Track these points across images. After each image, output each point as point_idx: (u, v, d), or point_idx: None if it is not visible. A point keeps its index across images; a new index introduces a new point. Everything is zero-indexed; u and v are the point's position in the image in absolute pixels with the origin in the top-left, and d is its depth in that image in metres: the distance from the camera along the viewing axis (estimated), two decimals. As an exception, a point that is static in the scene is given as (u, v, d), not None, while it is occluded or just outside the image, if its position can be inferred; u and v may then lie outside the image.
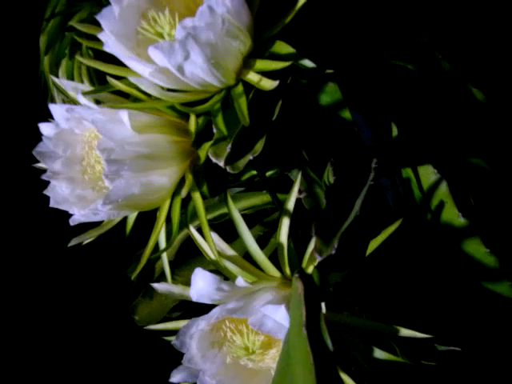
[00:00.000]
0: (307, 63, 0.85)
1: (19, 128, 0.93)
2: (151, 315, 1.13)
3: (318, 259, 0.80)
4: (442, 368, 0.96)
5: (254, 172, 1.16)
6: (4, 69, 1.50)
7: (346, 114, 1.05)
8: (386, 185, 1.07)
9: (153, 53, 0.80)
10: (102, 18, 0.83)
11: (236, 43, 0.82)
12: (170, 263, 1.18)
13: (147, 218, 1.03)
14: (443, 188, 1.04)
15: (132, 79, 0.83)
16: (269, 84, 0.82)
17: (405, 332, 0.93)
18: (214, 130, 0.88)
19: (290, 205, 0.99)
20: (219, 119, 0.87)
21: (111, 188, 0.87)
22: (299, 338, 0.69)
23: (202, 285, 0.92)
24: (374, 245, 1.00)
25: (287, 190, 1.19)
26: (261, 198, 1.18)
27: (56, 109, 0.91)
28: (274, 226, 1.19)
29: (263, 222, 1.18)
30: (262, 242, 1.20)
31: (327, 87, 1.03)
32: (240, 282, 0.89)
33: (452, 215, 1.05)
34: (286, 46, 0.86)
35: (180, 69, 0.82)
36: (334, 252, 0.77)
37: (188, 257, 1.17)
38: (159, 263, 1.22)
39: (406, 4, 1.02)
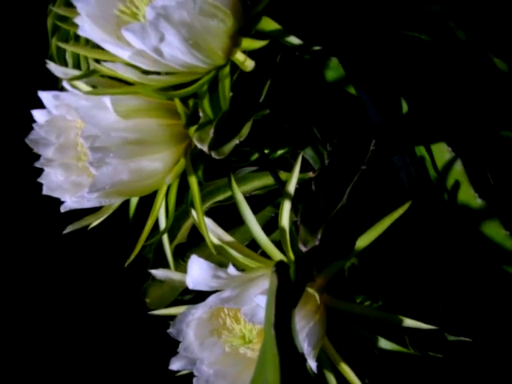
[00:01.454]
0: (293, 40, 0.77)
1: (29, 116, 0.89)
2: (162, 298, 1.09)
3: (303, 250, 0.73)
4: (452, 360, 0.88)
5: (266, 151, 1.09)
6: (18, 54, 1.49)
7: (353, 90, 0.97)
8: (400, 164, 0.99)
9: (127, 35, 0.74)
10: (78, 1, 0.77)
11: (214, 22, 0.75)
12: (182, 245, 1.14)
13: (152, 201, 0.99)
14: (458, 167, 0.95)
15: (107, 64, 0.78)
16: (250, 64, 0.75)
17: (409, 322, 0.86)
18: (201, 114, 0.82)
19: (291, 187, 0.92)
20: (205, 102, 0.81)
21: (97, 175, 0.83)
22: (269, 337, 0.63)
23: (197, 272, 0.87)
24: (380, 229, 0.92)
25: (303, 169, 1.12)
26: (271, 179, 1.11)
27: (45, 96, 0.87)
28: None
29: (275, 203, 1.12)
30: (273, 224, 1.14)
31: (331, 62, 0.95)
32: (232, 270, 0.84)
33: (468, 196, 0.96)
34: (272, 22, 0.78)
35: (157, 51, 0.76)
36: (317, 243, 0.71)
37: (200, 239, 1.12)
38: (177, 238, 1.17)
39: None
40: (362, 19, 0.94)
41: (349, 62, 0.92)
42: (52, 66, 0.88)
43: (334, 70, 0.96)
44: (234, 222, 1.11)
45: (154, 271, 0.93)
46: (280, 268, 0.67)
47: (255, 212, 1.16)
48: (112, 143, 0.82)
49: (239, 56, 0.80)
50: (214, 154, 0.79)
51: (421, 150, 0.98)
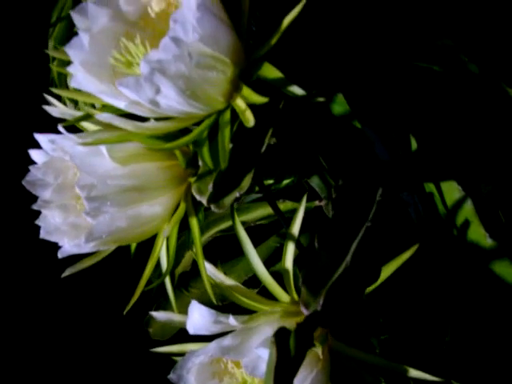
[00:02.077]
0: (296, 90, 0.72)
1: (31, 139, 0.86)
2: (165, 329, 1.06)
3: (305, 313, 0.70)
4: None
5: (271, 181, 1.05)
6: (19, 76, 1.44)
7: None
8: (408, 200, 0.95)
9: (121, 89, 0.70)
10: (71, 48, 0.73)
11: (213, 73, 0.71)
12: (185, 274, 1.12)
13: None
14: (468, 206, 0.91)
15: (103, 115, 0.74)
16: (250, 120, 0.70)
17: (414, 373, 0.82)
18: (200, 163, 0.78)
19: (295, 229, 0.88)
20: (205, 151, 0.76)
21: (93, 224, 0.79)
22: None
23: (198, 318, 0.84)
24: (386, 273, 0.88)
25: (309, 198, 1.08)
26: (278, 206, 1.07)
27: (41, 138, 0.83)
28: (292, 237, 1.09)
29: (280, 232, 1.08)
30: (277, 254, 1.10)
31: (337, 98, 0.91)
32: (232, 321, 0.81)
33: (479, 235, 0.92)
34: (274, 70, 0.73)
35: (153, 102, 0.71)
36: (319, 309, 0.67)
37: (205, 267, 1.09)
38: (181, 265, 1.15)
39: (425, 5, 0.87)
40: (371, 52, 0.89)
41: (355, 98, 0.87)
42: (49, 108, 0.84)
43: (340, 105, 0.91)
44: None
45: (154, 313, 0.90)
46: (279, 338, 0.63)
47: (260, 242, 1.13)
48: (109, 192, 0.79)
49: (240, 103, 0.75)
50: (213, 208, 0.75)
51: (430, 187, 0.94)
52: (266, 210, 1.06)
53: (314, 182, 1.06)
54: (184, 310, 1.10)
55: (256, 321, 0.84)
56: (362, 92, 0.89)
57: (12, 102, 1.56)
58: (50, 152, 0.84)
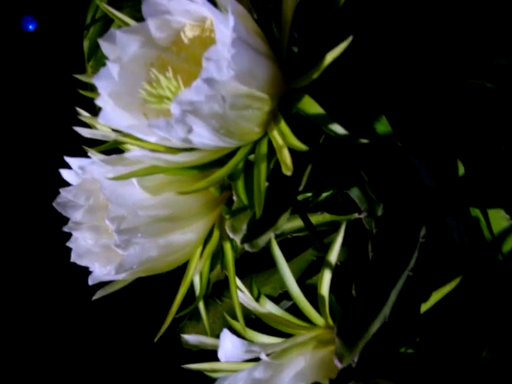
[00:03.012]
0: (337, 129, 0.66)
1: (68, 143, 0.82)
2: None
3: (339, 366, 0.66)
4: None
5: (309, 194, 0.99)
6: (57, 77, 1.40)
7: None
8: (453, 224, 0.88)
9: (151, 128, 0.65)
10: (99, 79, 0.67)
11: (249, 112, 0.65)
12: (219, 283, 1.08)
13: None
14: (517, 236, 0.84)
15: (134, 153, 0.69)
16: (288, 164, 0.64)
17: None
18: (234, 197, 0.73)
19: (333, 257, 0.84)
20: (240, 185, 0.71)
21: (124, 256, 0.76)
22: None
23: (230, 347, 0.81)
24: (426, 306, 0.83)
25: (347, 211, 1.03)
26: (316, 219, 1.02)
27: (72, 162, 0.79)
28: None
29: (317, 245, 1.03)
30: (314, 268, 1.06)
31: (381, 118, 0.84)
32: (263, 356, 0.77)
33: (526, 264, 0.85)
34: (314, 105, 0.67)
35: (186, 140, 0.66)
36: (354, 365, 0.63)
37: (240, 275, 1.05)
38: (214, 273, 1.11)
39: (479, 23, 0.79)
40: (419, 71, 0.82)
41: (399, 119, 0.81)
42: (78, 129, 0.79)
43: (383, 125, 0.84)
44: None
45: (185, 336, 0.88)
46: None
47: (296, 254, 1.08)
48: (140, 223, 0.75)
49: (277, 137, 0.69)
50: (247, 247, 0.71)
51: (475, 211, 0.87)
52: (302, 222, 1.01)
53: (354, 193, 0.99)
54: (218, 320, 1.08)
55: (288, 354, 0.80)
56: (407, 113, 0.82)
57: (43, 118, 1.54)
58: (82, 174, 0.80)
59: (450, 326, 0.94)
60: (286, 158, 0.65)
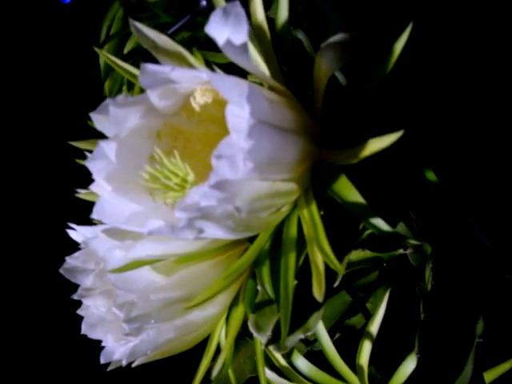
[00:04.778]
0: (380, 224, 0.52)
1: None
2: (228, 379, 0.94)
3: None
4: None
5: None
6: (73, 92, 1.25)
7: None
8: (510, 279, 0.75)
9: (153, 233, 0.52)
10: (93, 161, 0.54)
11: (271, 210, 0.51)
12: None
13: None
14: None
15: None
16: (321, 284, 0.51)
17: None
18: (259, 287, 0.60)
19: (374, 328, 0.71)
20: (265, 272, 0.58)
21: (136, 342, 0.65)
22: None
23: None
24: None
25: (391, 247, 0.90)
26: (356, 255, 0.89)
27: (77, 232, 0.68)
28: (368, 290, 0.91)
29: (353, 284, 0.90)
30: (352, 309, 0.93)
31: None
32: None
33: None
34: (353, 190, 0.53)
35: (198, 238, 0.53)
36: None
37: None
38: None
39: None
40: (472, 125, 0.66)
41: (450, 179, 0.66)
42: (81, 195, 0.67)
43: (433, 174, 0.70)
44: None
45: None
46: None
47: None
48: (152, 308, 0.63)
49: (307, 217, 0.56)
50: (273, 349, 0.59)
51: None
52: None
53: (400, 229, 0.86)
54: (248, 360, 0.98)
55: None
56: (460, 173, 0.67)
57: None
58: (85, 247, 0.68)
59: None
60: (319, 276, 0.52)
